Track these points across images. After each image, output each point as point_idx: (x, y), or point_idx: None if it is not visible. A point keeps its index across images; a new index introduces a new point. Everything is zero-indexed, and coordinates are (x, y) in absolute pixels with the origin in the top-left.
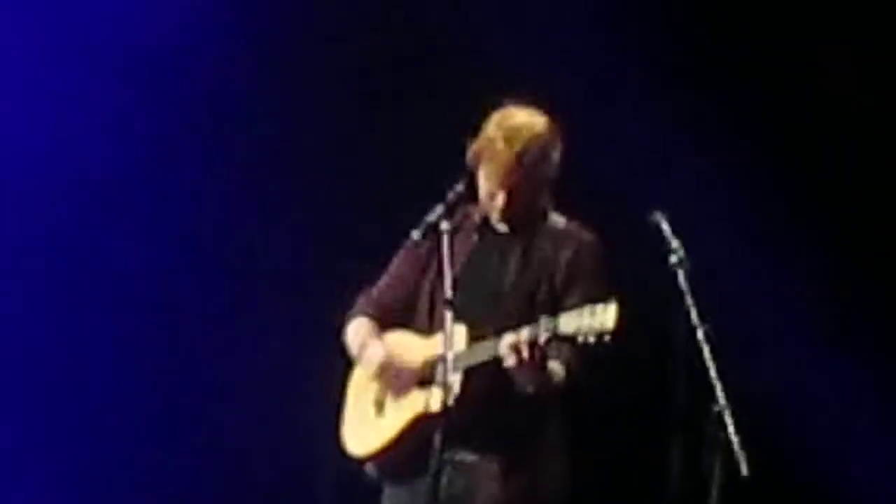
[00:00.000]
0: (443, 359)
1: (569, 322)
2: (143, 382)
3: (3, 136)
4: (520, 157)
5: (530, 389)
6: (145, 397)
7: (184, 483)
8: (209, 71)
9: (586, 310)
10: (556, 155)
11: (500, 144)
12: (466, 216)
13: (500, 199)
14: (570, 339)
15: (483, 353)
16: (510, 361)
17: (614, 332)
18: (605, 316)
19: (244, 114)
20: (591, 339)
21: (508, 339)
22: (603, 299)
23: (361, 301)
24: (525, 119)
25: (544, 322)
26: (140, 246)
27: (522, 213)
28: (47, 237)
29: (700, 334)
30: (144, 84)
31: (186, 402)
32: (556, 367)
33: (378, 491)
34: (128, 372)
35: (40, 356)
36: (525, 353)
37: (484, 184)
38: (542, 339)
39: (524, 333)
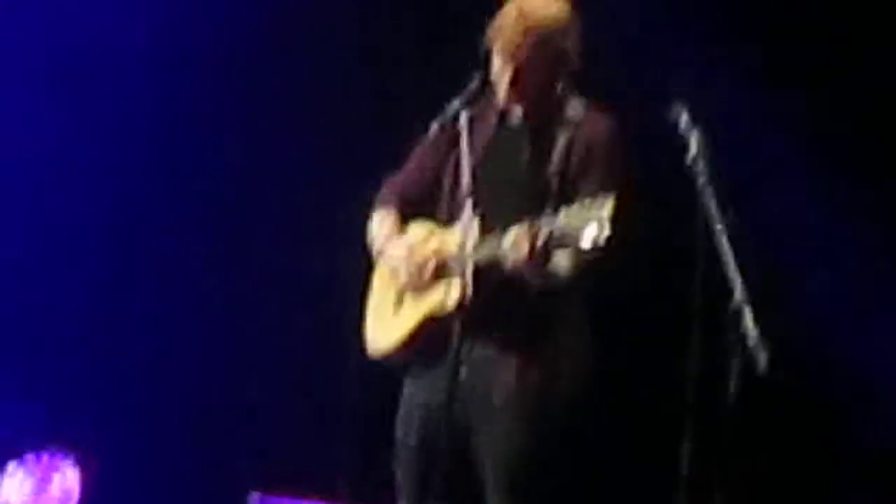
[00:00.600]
0: (460, 251)
1: (568, 215)
2: (173, 277)
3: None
4: (529, 31)
5: (535, 284)
6: (174, 289)
7: (206, 374)
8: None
9: (586, 202)
10: (570, 39)
11: (512, 19)
12: (486, 107)
13: (508, 74)
14: (572, 232)
15: (488, 248)
16: (511, 257)
17: (611, 224)
18: (603, 208)
19: None
20: (587, 234)
21: (511, 235)
22: (610, 191)
23: (385, 190)
24: (540, 1)
25: (546, 216)
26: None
27: (535, 95)
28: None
29: (719, 227)
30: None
31: (207, 286)
32: (561, 259)
33: (399, 384)
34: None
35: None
36: (524, 249)
37: (496, 62)
38: (544, 233)
39: (525, 228)
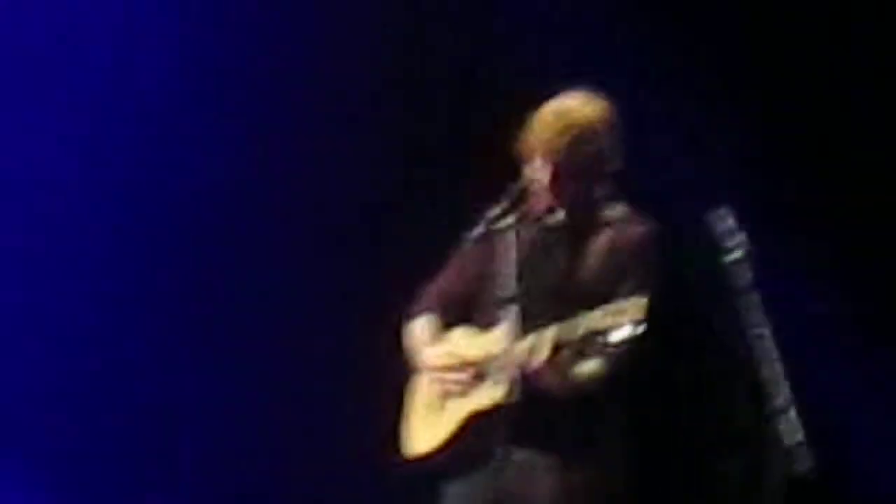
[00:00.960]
0: (505, 354)
1: (603, 316)
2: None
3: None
4: (567, 129)
5: (557, 393)
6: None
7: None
8: None
9: (621, 303)
10: (609, 138)
11: (550, 119)
12: (526, 212)
13: (548, 175)
14: (603, 333)
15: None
16: (532, 364)
17: (644, 323)
18: (637, 309)
19: None
20: (620, 333)
21: (526, 342)
22: (646, 292)
23: (423, 297)
24: (577, 101)
25: (581, 317)
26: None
27: (575, 196)
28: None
29: (760, 332)
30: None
31: (246, 392)
32: (590, 367)
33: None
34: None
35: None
36: (537, 361)
37: (535, 163)
38: (579, 333)
39: (561, 329)
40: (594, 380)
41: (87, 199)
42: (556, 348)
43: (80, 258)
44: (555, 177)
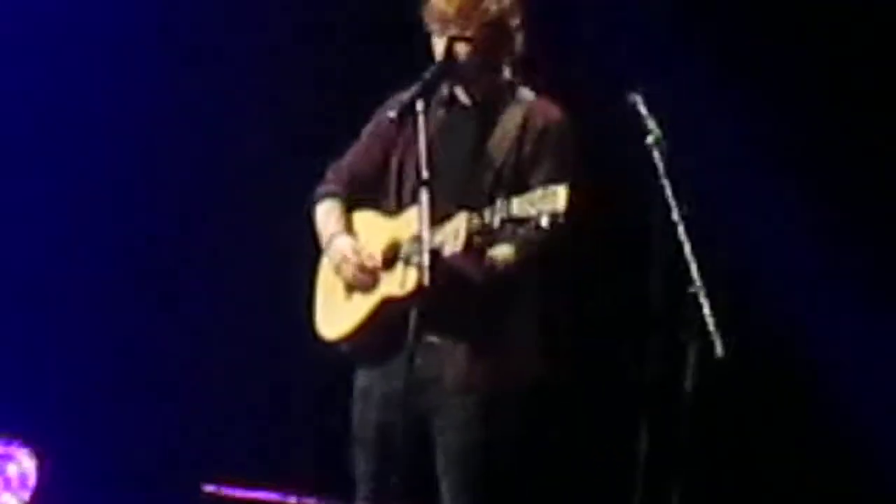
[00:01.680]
0: (415, 240)
1: (521, 205)
2: (123, 261)
3: None
4: (458, 10)
5: (474, 277)
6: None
7: (158, 366)
8: None
9: (538, 192)
10: (509, 17)
11: None
12: (437, 95)
13: (441, 47)
14: (523, 221)
15: (441, 235)
16: (447, 250)
17: (566, 214)
18: (557, 198)
19: None
20: (544, 222)
21: (457, 222)
22: (563, 180)
23: (330, 176)
24: None
25: (498, 204)
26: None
27: (477, 73)
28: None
29: (675, 214)
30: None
31: (163, 274)
32: (501, 251)
33: (351, 371)
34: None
35: None
36: (461, 241)
37: (433, 41)
38: (496, 221)
39: (476, 216)
40: (509, 265)
41: None
42: (471, 235)
43: None
44: (449, 48)
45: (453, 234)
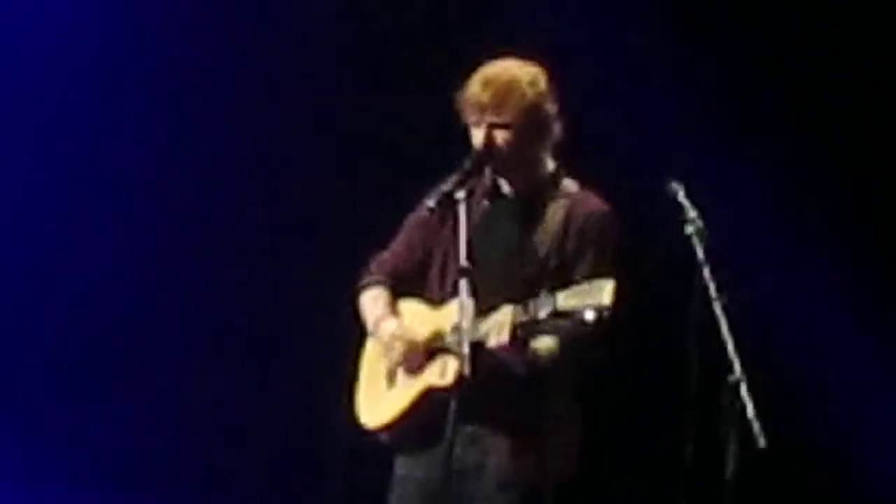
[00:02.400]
0: (456, 330)
1: (567, 299)
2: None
3: None
4: (489, 83)
5: (518, 370)
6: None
7: (199, 446)
8: None
9: (585, 286)
10: (541, 95)
11: (474, 79)
12: (477, 183)
13: (480, 136)
14: (569, 315)
15: (484, 326)
16: (492, 342)
17: (612, 308)
18: (603, 293)
19: None
20: (590, 317)
21: (500, 315)
22: (607, 273)
23: (374, 268)
24: (506, 65)
25: (543, 298)
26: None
27: (517, 162)
28: None
29: (717, 305)
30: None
31: (200, 359)
32: (544, 343)
33: (390, 462)
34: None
35: None
36: (505, 335)
37: (472, 133)
38: (542, 314)
39: (522, 309)
40: (552, 357)
41: None
42: (515, 327)
43: None
44: (487, 139)
45: (498, 327)
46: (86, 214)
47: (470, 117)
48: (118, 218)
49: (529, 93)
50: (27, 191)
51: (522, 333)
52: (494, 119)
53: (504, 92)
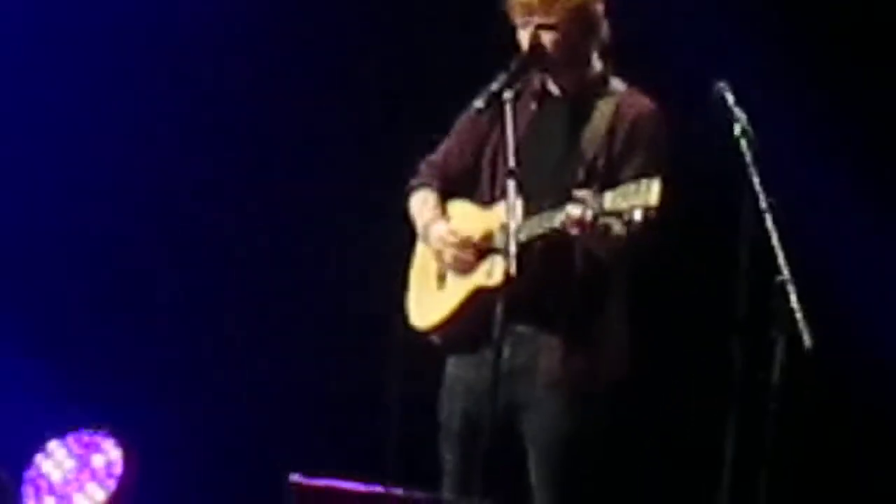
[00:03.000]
0: (504, 229)
1: (615, 199)
2: (210, 255)
3: None
4: None
5: (601, 254)
6: (211, 268)
7: (248, 356)
8: None
9: (632, 186)
10: (593, 4)
11: None
12: (526, 85)
13: (528, 36)
14: (616, 215)
15: (535, 226)
16: (574, 231)
17: (658, 208)
18: (650, 192)
19: None
20: (637, 216)
21: (560, 216)
22: (655, 173)
23: (424, 170)
24: None
25: (591, 198)
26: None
27: (565, 60)
28: None
29: (764, 205)
30: None
31: (252, 266)
32: (618, 229)
33: (443, 361)
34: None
35: None
36: (586, 224)
37: (519, 35)
38: (589, 215)
39: (570, 210)
40: (622, 245)
41: None
42: (584, 223)
43: None
44: (535, 37)
45: (573, 215)
46: None
47: (517, 18)
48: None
49: (591, 4)
50: None
51: (598, 222)
52: (542, 20)
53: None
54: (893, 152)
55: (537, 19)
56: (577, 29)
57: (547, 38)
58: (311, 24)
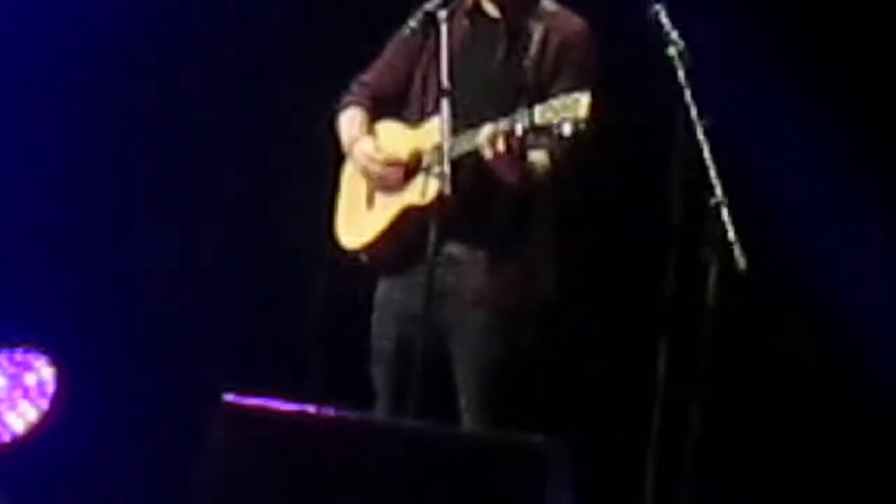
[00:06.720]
0: (438, 149)
1: (544, 113)
2: (145, 183)
3: None
4: None
5: (512, 181)
6: (144, 196)
7: (178, 277)
8: None
9: (561, 100)
10: None
11: None
12: (459, 4)
13: None
14: (547, 130)
15: (465, 144)
16: (488, 153)
17: (588, 122)
18: (579, 106)
19: None
20: (567, 130)
21: (486, 130)
22: (585, 88)
23: (355, 88)
24: None
25: (520, 113)
26: None
27: None
28: None
29: (698, 127)
30: None
31: (184, 183)
32: (538, 157)
33: (373, 282)
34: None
35: None
36: (501, 145)
37: None
38: (518, 130)
39: (500, 124)
40: (545, 171)
41: None
42: (508, 140)
43: None
44: None
45: (490, 138)
46: None
47: None
48: None
49: None
50: None
51: (516, 146)
52: None
53: None
54: (836, 75)
55: None
56: None
57: None
58: None
